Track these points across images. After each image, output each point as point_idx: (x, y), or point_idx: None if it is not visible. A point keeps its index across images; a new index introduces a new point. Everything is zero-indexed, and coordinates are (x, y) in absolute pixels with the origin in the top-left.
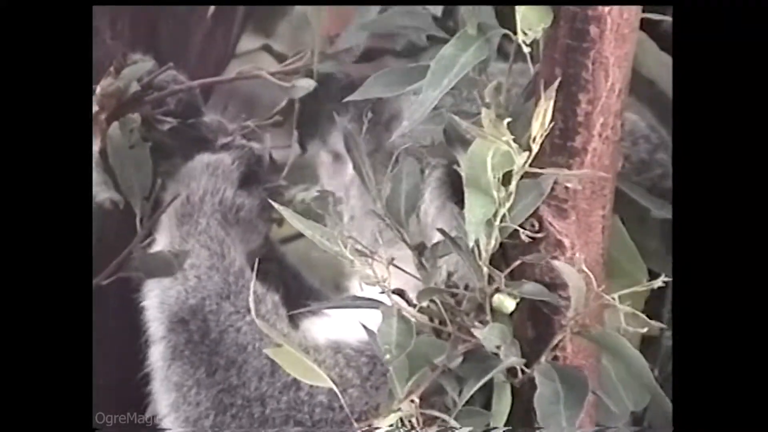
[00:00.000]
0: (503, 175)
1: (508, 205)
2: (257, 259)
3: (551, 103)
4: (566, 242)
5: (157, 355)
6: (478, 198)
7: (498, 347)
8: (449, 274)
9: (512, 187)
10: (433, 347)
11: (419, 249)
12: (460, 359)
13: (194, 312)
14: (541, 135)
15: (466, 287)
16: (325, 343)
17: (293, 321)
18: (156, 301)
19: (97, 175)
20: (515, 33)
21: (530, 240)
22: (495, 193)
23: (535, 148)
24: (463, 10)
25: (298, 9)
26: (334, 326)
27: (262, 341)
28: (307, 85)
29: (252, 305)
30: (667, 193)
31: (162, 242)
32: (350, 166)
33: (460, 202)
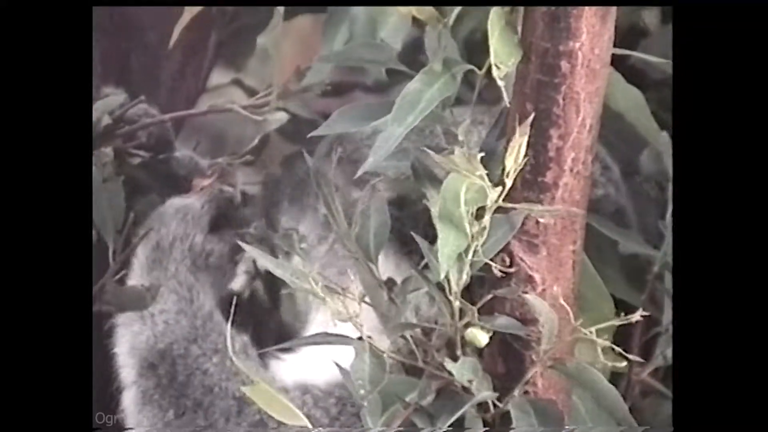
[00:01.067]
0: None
1: (481, 240)
2: (234, 297)
3: (525, 138)
4: (537, 277)
5: (129, 400)
6: (450, 232)
7: (470, 381)
8: (417, 309)
9: (485, 221)
10: (405, 384)
11: (389, 285)
12: (432, 396)
13: (162, 356)
14: (515, 170)
15: (435, 323)
16: (293, 385)
17: (263, 361)
18: (127, 346)
19: None
20: (480, 68)
21: (501, 275)
22: (468, 228)
23: (509, 182)
24: (428, 46)
25: (264, 43)
26: (302, 367)
27: (229, 381)
28: (279, 118)
29: (229, 343)
30: (610, 216)
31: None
32: None
33: (404, 248)
